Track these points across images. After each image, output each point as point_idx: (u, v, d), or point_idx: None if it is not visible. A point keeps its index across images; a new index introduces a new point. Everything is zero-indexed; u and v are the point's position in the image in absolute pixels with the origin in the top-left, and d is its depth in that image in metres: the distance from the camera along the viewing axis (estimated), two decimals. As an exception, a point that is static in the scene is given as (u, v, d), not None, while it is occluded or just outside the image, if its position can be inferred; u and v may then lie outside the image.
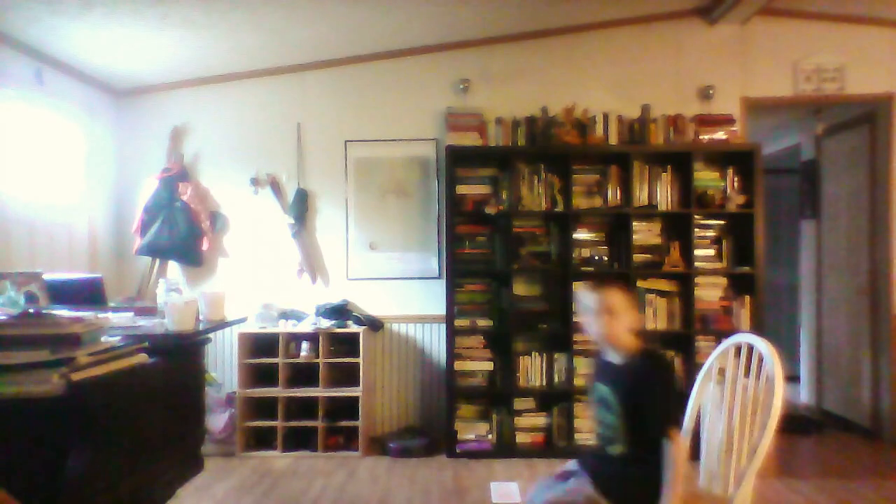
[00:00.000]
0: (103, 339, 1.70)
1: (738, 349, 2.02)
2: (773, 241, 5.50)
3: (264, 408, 3.89)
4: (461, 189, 3.89)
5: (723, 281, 3.83)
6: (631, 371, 1.86)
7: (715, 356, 2.13)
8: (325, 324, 3.90)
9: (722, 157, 3.90)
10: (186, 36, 3.54)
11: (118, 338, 1.84)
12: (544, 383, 3.83)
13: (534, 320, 3.86)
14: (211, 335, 2.64)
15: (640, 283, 3.81)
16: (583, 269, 3.82)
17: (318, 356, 3.82)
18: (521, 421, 3.81)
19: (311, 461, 3.70)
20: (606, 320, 1.88)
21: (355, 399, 3.82)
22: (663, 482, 1.70)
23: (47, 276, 2.50)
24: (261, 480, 3.39)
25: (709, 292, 3.81)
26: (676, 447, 1.71)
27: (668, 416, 1.76)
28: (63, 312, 1.76)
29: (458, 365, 3.81)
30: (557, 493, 1.87)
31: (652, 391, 1.79)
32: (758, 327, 3.63)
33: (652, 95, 4.00)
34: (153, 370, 1.84)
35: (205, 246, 4.10)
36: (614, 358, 1.93)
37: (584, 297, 1.94)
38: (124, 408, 1.71)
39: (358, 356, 3.82)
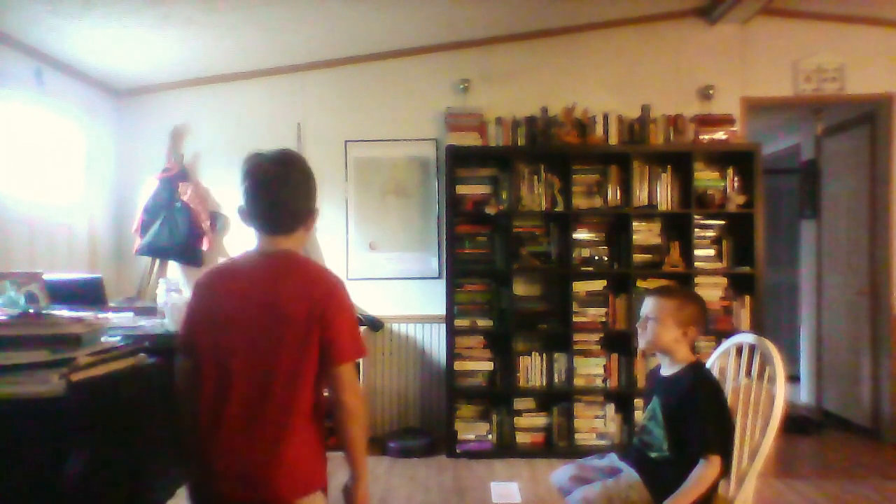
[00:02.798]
0: (103, 339, 1.70)
1: (739, 349, 2.02)
2: (773, 241, 5.50)
3: (264, 408, 3.88)
4: (461, 189, 3.89)
5: (723, 281, 3.83)
6: (676, 385, 1.86)
7: (716, 356, 2.13)
8: (325, 324, 3.88)
9: (722, 157, 3.89)
10: (187, 36, 3.54)
11: (118, 338, 1.84)
12: (544, 383, 3.83)
13: (534, 320, 3.85)
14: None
15: (640, 283, 3.81)
16: (583, 268, 3.82)
17: (318, 356, 3.81)
18: (521, 421, 3.81)
19: (311, 461, 3.69)
20: (651, 327, 1.90)
21: (355, 399, 3.81)
22: (678, 489, 1.71)
23: (47, 276, 2.49)
24: (261, 480, 3.38)
25: (709, 292, 3.80)
26: (708, 470, 1.70)
27: (708, 438, 1.73)
28: (63, 312, 1.76)
29: (458, 365, 3.81)
30: (608, 485, 1.88)
31: (694, 410, 1.78)
32: (758, 327, 3.63)
33: (652, 95, 3.99)
34: (153, 370, 1.84)
35: (205, 246, 4.10)
36: (665, 370, 1.95)
37: (644, 302, 1.97)
38: (124, 408, 1.71)
39: (358, 356, 3.81)
